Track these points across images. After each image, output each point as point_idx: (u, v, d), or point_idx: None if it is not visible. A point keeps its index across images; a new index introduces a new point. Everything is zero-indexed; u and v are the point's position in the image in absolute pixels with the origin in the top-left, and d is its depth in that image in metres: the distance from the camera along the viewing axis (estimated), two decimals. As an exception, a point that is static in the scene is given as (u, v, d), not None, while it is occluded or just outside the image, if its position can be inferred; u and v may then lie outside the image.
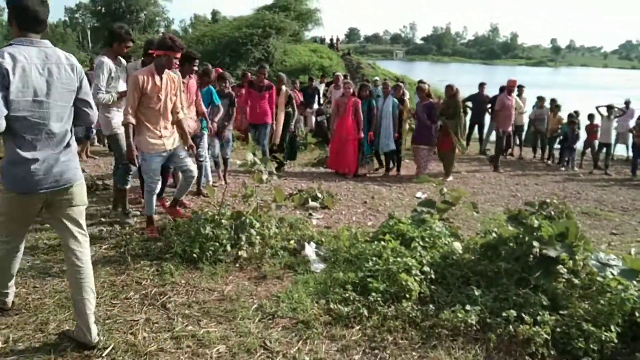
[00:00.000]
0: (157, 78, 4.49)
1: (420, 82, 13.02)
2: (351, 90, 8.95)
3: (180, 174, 5.21)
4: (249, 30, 25.26)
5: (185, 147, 4.91)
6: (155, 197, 4.90)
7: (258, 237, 4.45)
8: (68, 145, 2.85)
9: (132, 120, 4.42)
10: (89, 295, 2.89)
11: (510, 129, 10.57)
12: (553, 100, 12.07)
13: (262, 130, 8.24)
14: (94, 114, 3.01)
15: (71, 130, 2.88)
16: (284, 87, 8.90)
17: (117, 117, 5.04)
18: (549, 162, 11.80)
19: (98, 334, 2.93)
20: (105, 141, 9.80)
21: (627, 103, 12.18)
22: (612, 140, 11.42)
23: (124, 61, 5.21)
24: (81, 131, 9.94)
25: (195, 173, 5.00)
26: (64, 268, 4.02)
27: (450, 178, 9.21)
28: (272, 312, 3.41)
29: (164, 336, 3.09)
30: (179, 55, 4.62)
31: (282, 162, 8.56)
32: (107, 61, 4.89)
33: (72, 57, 2.87)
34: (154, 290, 3.69)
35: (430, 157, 9.21)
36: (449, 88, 9.36)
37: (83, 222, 2.97)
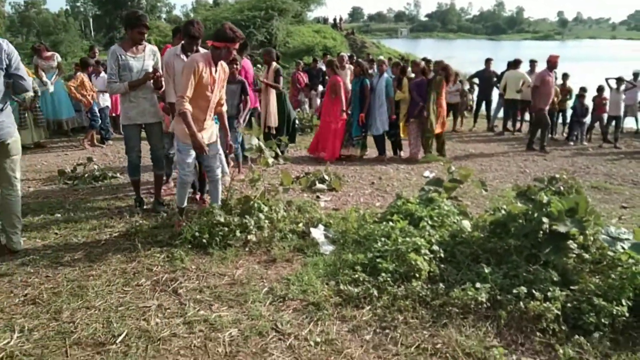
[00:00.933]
0: (213, 69, 4.24)
1: (424, 59, 12.91)
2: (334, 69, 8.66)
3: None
4: (251, 12, 25.06)
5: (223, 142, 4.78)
6: (187, 189, 4.68)
7: (266, 221, 4.46)
8: (3, 109, 3.75)
9: (189, 107, 4.13)
10: (14, 218, 4.06)
11: (547, 107, 9.94)
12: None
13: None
14: (26, 84, 3.84)
15: (8, 98, 3.81)
16: (273, 63, 8.22)
17: (130, 110, 4.89)
18: (554, 136, 11.63)
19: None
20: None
21: (636, 75, 11.99)
22: (622, 113, 11.26)
23: (149, 48, 4.95)
24: (86, 120, 9.97)
25: (220, 176, 4.73)
26: (75, 257, 4.07)
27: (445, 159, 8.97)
28: (282, 295, 3.43)
29: (177, 321, 3.12)
30: (237, 45, 4.28)
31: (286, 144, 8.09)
32: (115, 49, 4.77)
33: (3, 42, 3.67)
34: (165, 277, 3.72)
35: (418, 133, 8.80)
36: (436, 64, 9.37)
37: (18, 168, 4.01)
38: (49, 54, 9.43)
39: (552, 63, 9.81)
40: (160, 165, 5.24)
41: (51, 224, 4.88)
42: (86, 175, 6.61)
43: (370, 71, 9.92)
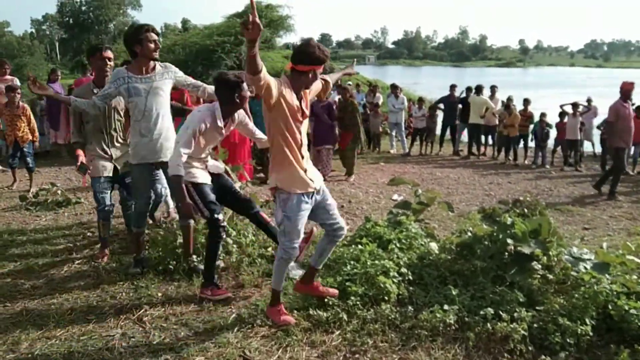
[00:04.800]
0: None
1: (392, 85, 13.15)
2: None
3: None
4: (220, 38, 25.02)
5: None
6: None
7: (235, 246, 4.40)
8: None
9: None
10: None
11: (630, 144, 8.42)
12: (509, 99, 12.18)
13: None
14: None
15: None
16: None
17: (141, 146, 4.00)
18: (516, 161, 11.84)
19: None
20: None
21: (589, 101, 12.52)
22: (579, 137, 11.61)
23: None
24: (48, 145, 9.71)
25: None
26: (36, 285, 3.94)
27: (353, 177, 9.26)
28: (250, 321, 3.37)
29: (141, 350, 3.04)
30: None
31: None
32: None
33: None
34: (129, 304, 3.63)
35: (330, 156, 9.22)
36: (345, 90, 9.71)
37: None
38: (8, 77, 9.10)
39: (626, 92, 8.16)
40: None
41: (11, 251, 4.72)
42: (49, 200, 6.44)
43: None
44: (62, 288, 3.90)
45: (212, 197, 3.74)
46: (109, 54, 4.34)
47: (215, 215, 3.67)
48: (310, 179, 3.24)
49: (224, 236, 3.84)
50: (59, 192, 6.71)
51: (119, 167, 4.43)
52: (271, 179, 3.25)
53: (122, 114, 4.45)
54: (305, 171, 3.23)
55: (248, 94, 3.69)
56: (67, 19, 63.17)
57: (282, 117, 3.09)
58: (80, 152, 4.41)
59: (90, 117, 4.27)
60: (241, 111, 3.83)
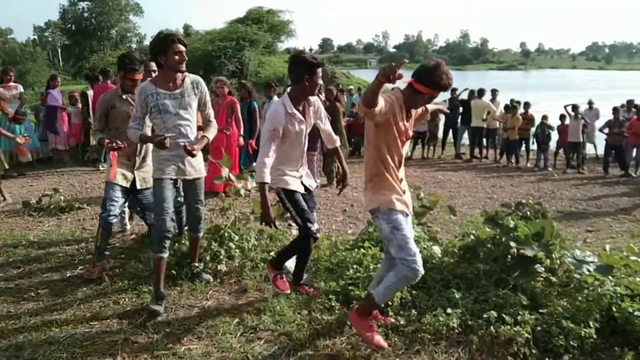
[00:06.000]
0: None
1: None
2: (226, 90, 7.35)
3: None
4: (222, 43, 25.18)
5: None
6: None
7: (237, 250, 4.41)
8: None
9: None
10: None
11: None
12: (511, 102, 12.21)
13: None
14: None
15: None
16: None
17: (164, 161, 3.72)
18: (519, 164, 11.80)
19: None
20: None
21: (590, 103, 12.54)
22: (581, 139, 11.61)
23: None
24: (48, 151, 9.72)
25: None
26: (39, 291, 3.95)
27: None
28: (254, 326, 3.37)
29: (144, 356, 3.04)
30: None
31: None
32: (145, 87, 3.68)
33: None
34: (132, 310, 3.63)
35: (318, 163, 8.61)
36: (329, 92, 9.18)
37: None
38: (12, 84, 9.15)
39: None
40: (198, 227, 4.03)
41: (15, 257, 4.73)
42: (52, 206, 6.45)
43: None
44: (65, 294, 3.90)
45: (305, 205, 3.57)
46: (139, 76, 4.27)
47: (308, 225, 3.48)
48: (408, 203, 3.13)
49: (313, 245, 3.70)
50: (62, 197, 6.72)
51: (138, 180, 4.34)
52: (370, 199, 3.09)
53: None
54: (403, 193, 3.12)
55: (320, 81, 3.49)
56: (70, 25, 63.44)
57: (388, 137, 2.98)
58: (107, 140, 4.02)
59: (118, 122, 4.21)
60: (318, 102, 3.68)
